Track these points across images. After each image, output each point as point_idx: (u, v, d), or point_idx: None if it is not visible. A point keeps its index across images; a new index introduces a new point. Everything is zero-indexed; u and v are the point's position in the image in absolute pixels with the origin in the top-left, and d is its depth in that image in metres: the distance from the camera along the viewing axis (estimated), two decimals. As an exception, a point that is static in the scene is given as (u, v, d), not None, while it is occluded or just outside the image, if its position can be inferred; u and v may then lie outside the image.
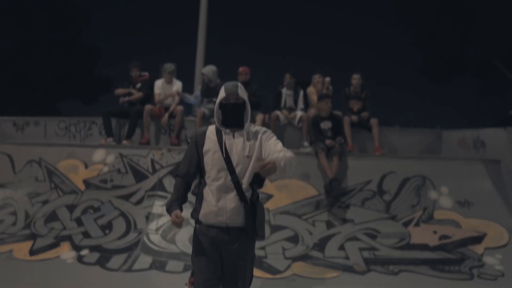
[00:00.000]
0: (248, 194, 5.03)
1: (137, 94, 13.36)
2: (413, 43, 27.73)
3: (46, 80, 32.68)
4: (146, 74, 13.66)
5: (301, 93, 13.46)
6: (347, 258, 10.34)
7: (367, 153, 13.13)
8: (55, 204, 11.56)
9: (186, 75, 13.87)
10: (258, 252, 10.08)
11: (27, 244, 10.79)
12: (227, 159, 4.98)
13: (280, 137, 12.15)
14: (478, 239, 10.76)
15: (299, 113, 13.22)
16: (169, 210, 5.19)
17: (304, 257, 10.29)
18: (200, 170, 5.21)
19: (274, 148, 4.97)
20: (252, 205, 5.02)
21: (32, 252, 10.54)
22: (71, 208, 11.40)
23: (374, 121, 12.90)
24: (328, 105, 12.01)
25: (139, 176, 11.52)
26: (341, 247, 10.56)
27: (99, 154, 12.04)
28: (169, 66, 13.37)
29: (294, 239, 10.68)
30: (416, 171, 11.70)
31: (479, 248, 10.58)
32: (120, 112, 13.37)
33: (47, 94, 33.54)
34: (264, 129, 5.22)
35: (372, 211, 11.17)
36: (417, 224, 11.07)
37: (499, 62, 24.28)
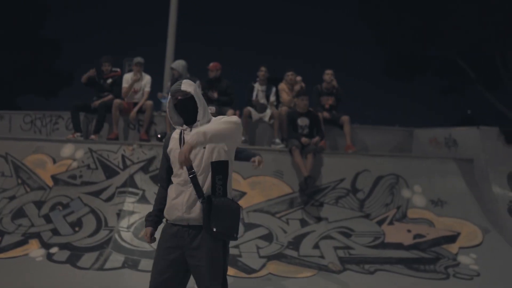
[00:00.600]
0: (206, 188, 4.84)
1: (108, 97, 13.06)
2: (377, 41, 27.81)
3: (4, 74, 31.92)
4: (118, 70, 13.37)
5: (273, 89, 13.31)
6: (322, 257, 10.25)
7: (338, 150, 13.07)
8: (22, 200, 11.22)
9: (154, 73, 13.60)
10: (232, 251, 9.94)
11: (-7, 242, 10.45)
12: None
13: (252, 134, 12.06)
14: (452, 238, 10.77)
15: (269, 110, 13.06)
16: (145, 223, 5.25)
17: (278, 256, 10.17)
18: (168, 168, 5.14)
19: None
20: (208, 200, 4.77)
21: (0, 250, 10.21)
22: (39, 204, 11.08)
23: (345, 118, 12.83)
24: (305, 101, 11.89)
25: (110, 172, 11.25)
26: (316, 246, 10.47)
27: (67, 149, 11.73)
28: (137, 58, 13.10)
29: (268, 237, 10.55)
30: (390, 169, 11.67)
31: (453, 248, 10.59)
32: (88, 107, 13.05)
33: (5, 88, 32.77)
34: (221, 117, 4.95)
35: (345, 209, 11.10)
36: (391, 223, 11.04)
37: (463, 61, 24.48)
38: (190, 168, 4.80)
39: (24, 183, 11.42)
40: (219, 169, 4.88)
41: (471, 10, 22.20)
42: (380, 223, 11.00)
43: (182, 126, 5.01)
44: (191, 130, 4.91)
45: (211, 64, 13.06)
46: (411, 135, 13.87)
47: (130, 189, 10.90)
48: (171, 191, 4.98)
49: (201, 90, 12.98)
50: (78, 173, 11.33)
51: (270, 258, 10.09)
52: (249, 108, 12.98)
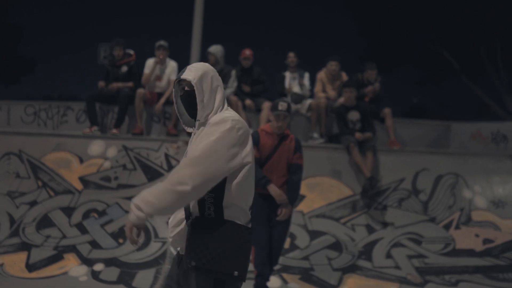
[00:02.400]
0: (193, 206, 3.56)
1: (129, 84, 11.58)
2: (360, 32, 27.04)
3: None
4: (132, 53, 11.86)
5: (307, 75, 12.14)
6: (398, 267, 9.37)
7: (383, 146, 12.05)
8: (46, 206, 9.73)
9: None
10: (303, 263, 8.96)
11: (21, 256, 8.99)
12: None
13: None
14: (518, 245, 10.01)
15: (308, 100, 11.91)
16: None
17: (353, 268, 9.21)
18: None
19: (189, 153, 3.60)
20: (192, 222, 3.52)
21: (30, 267, 8.78)
22: (68, 211, 9.63)
23: (387, 111, 11.82)
24: (353, 93, 10.80)
25: (151, 173, 9.87)
26: (388, 255, 9.58)
27: (96, 147, 10.26)
28: (160, 42, 11.66)
29: (337, 247, 9.54)
30: (448, 168, 10.78)
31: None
32: (105, 97, 11.54)
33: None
34: (220, 119, 3.57)
35: (410, 212, 10.17)
36: (457, 227, 10.21)
37: (448, 52, 23.98)
38: None
39: (46, 186, 9.92)
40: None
41: (459, 1, 21.69)
42: (447, 227, 10.14)
43: (187, 126, 3.89)
44: (195, 132, 3.72)
45: (247, 52, 11.80)
46: (448, 129, 13.01)
47: (179, 194, 9.53)
48: None
49: (236, 81, 11.72)
50: (112, 174, 9.90)
51: (344, 270, 9.11)
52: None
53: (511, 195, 10.73)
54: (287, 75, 12.07)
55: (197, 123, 3.66)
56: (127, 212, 9.13)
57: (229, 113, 3.61)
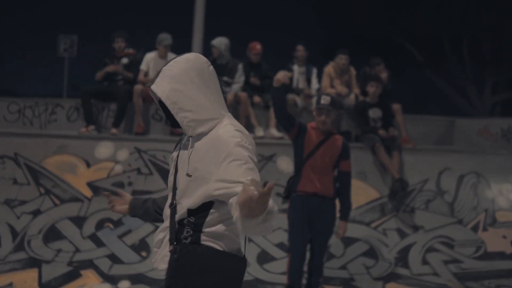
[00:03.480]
0: (180, 231, 3.06)
1: (129, 74, 10.65)
2: (318, 22, 26.57)
3: None
4: (132, 51, 10.95)
5: (314, 71, 11.48)
6: (436, 274, 8.97)
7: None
8: (52, 215, 8.79)
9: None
10: (341, 273, 8.38)
11: (31, 274, 8.08)
12: (174, 173, 3.19)
13: None
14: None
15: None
16: None
17: (392, 277, 8.74)
18: None
19: (234, 172, 2.84)
20: (176, 251, 3.02)
21: (44, 286, 7.84)
22: (78, 221, 8.73)
23: (397, 107, 11.26)
24: (378, 89, 10.22)
25: (171, 178, 9.00)
26: (424, 261, 9.15)
27: (104, 149, 9.34)
28: (166, 38, 10.77)
29: (372, 253, 9.04)
30: (469, 167, 10.35)
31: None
32: (102, 93, 10.59)
33: None
34: (236, 137, 2.95)
35: (437, 215, 9.73)
36: (485, 229, 9.82)
37: (412, 45, 23.79)
38: (173, 195, 3.14)
39: (50, 193, 8.97)
40: (198, 210, 3.06)
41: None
42: (474, 229, 9.74)
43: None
44: (190, 139, 3.10)
45: (258, 47, 11.03)
46: (452, 125, 12.59)
47: (204, 200, 8.73)
48: None
49: (243, 75, 10.97)
50: (125, 179, 9.03)
51: (385, 279, 8.64)
52: (294, 96, 11.09)
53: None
54: (295, 69, 11.37)
55: (200, 134, 3.05)
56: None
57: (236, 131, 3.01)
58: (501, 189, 10.31)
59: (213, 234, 3.00)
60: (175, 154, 3.21)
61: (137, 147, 9.26)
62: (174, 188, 3.12)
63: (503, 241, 9.75)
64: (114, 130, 10.24)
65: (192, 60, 3.11)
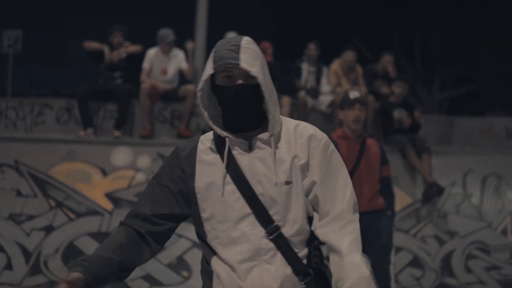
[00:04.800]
0: (302, 253, 2.51)
1: (136, 48, 9.67)
2: (271, 18, 26.01)
3: None
4: (137, 47, 9.95)
5: (325, 70, 10.82)
6: (482, 282, 8.60)
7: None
8: (69, 232, 7.74)
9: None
10: (396, 286, 7.76)
11: (56, 301, 6.90)
12: (248, 193, 2.48)
13: None
14: None
15: (327, 96, 10.60)
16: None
17: (443, 287, 8.14)
18: (195, 223, 2.62)
19: (336, 204, 2.51)
20: (321, 275, 2.51)
21: (75, 315, 6.72)
22: (99, 237, 7.70)
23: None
24: (404, 89, 9.69)
25: (202, 187, 8.11)
26: (468, 269, 8.75)
27: (121, 155, 8.31)
28: (168, 34, 9.83)
29: (417, 263, 8.58)
30: (490, 168, 9.99)
31: None
32: (100, 92, 9.53)
33: None
34: (318, 134, 2.63)
35: (468, 219, 9.33)
36: (513, 233, 9.48)
37: (360, 42, 23.55)
38: (266, 220, 2.47)
39: (62, 206, 7.90)
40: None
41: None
42: (504, 233, 9.39)
43: (232, 133, 2.54)
44: (250, 146, 2.53)
45: (270, 49, 10.32)
46: (451, 124, 12.23)
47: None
48: (224, 269, 2.51)
49: None
50: (150, 189, 8.00)
51: (437, 291, 8.03)
52: (304, 94, 10.39)
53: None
54: (304, 67, 10.68)
55: (270, 135, 2.52)
56: (179, 235, 7.44)
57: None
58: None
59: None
60: (215, 176, 2.50)
61: (160, 153, 8.28)
62: (259, 211, 2.45)
63: (532, 245, 9.46)
64: (117, 133, 9.22)
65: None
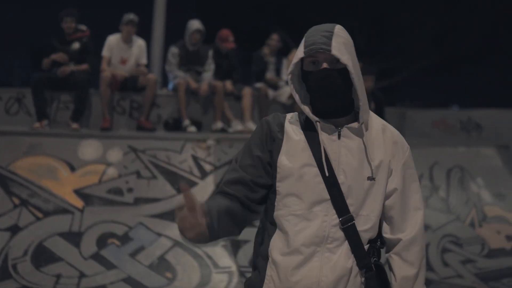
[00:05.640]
0: (370, 251, 2.51)
1: (83, 67, 8.99)
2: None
3: None
4: (85, 29, 9.25)
5: (285, 62, 10.55)
6: (460, 276, 8.51)
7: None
8: (37, 232, 7.11)
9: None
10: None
11: (29, 308, 6.38)
12: (331, 179, 2.45)
13: (259, 118, 9.66)
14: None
15: (288, 87, 10.30)
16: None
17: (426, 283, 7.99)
18: (268, 194, 2.58)
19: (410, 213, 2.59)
20: (381, 271, 2.51)
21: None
22: (71, 238, 7.13)
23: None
24: (372, 82, 9.51)
25: (179, 182, 7.64)
26: (444, 263, 8.68)
27: (90, 148, 7.73)
28: (129, 15, 9.27)
29: None
30: (453, 160, 10.06)
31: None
32: (56, 81, 8.86)
33: None
34: (405, 143, 2.66)
35: (437, 212, 9.35)
36: (480, 225, 9.63)
37: (284, 32, 23.43)
38: (342, 209, 2.45)
39: (28, 204, 7.25)
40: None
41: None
42: (472, 226, 9.45)
43: (322, 119, 2.51)
44: (339, 133, 2.50)
45: (231, 36, 9.93)
46: (403, 116, 12.22)
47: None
48: (281, 251, 2.48)
49: (213, 63, 9.81)
50: (123, 185, 7.52)
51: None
52: (265, 86, 10.09)
53: (504, 187, 10.28)
54: (268, 57, 10.39)
55: (361, 125, 2.52)
56: (158, 234, 7.00)
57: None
58: (482, 182, 10.10)
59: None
60: (301, 144, 2.52)
61: (132, 146, 7.73)
62: (338, 199, 2.46)
63: (498, 237, 9.57)
64: (74, 125, 8.58)
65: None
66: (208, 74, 9.61)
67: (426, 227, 8.54)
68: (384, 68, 23.44)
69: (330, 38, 2.42)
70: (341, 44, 2.43)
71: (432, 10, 21.66)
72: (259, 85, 10.10)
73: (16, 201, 7.21)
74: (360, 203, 2.47)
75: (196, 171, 7.75)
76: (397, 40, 23.14)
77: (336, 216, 2.43)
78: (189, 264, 6.95)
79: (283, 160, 2.49)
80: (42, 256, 6.88)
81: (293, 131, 2.54)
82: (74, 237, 7.07)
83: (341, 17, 21.56)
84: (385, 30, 22.63)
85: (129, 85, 9.25)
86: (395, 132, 2.63)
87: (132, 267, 6.92)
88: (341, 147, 2.48)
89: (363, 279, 2.46)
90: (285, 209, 2.47)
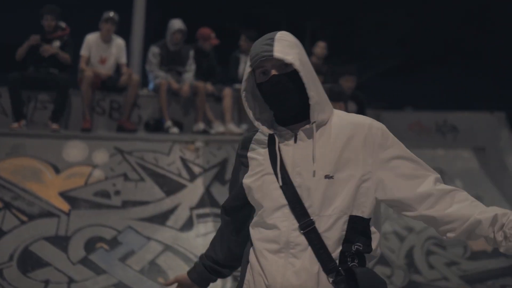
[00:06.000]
0: (336, 251, 2.39)
1: (65, 55, 8.74)
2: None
3: None
4: (65, 26, 9.01)
5: None
6: (446, 279, 8.57)
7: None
8: (22, 236, 6.89)
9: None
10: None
11: (17, 316, 6.16)
12: (286, 184, 2.43)
13: (239, 119, 9.54)
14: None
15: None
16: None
17: (413, 285, 8.17)
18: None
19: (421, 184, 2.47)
20: (352, 277, 2.36)
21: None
22: (58, 242, 6.92)
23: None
24: (353, 83, 9.44)
25: (169, 184, 7.50)
26: (430, 265, 8.75)
27: (75, 150, 7.52)
28: (109, 13, 9.07)
29: (384, 261, 8.42)
30: (430, 162, 9.87)
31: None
32: (34, 80, 8.61)
33: None
34: (374, 124, 2.60)
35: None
36: (460, 227, 9.59)
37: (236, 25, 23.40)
38: (301, 213, 2.39)
39: (11, 207, 7.01)
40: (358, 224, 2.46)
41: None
42: (453, 228, 9.45)
43: (271, 127, 2.53)
44: (295, 138, 2.48)
45: (212, 36, 9.82)
46: (378, 118, 12.18)
47: (215, 210, 7.35)
48: (253, 257, 2.53)
49: (194, 63, 9.69)
50: (110, 187, 7.33)
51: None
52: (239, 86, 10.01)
53: (482, 189, 10.39)
54: (242, 57, 10.26)
55: (313, 125, 2.46)
56: (148, 238, 6.86)
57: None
58: (461, 185, 10.17)
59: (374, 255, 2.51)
60: (261, 157, 2.54)
61: (118, 147, 7.54)
62: (295, 203, 2.41)
63: (478, 240, 9.57)
64: (54, 126, 8.32)
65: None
66: (189, 74, 9.46)
67: (410, 230, 8.63)
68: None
69: (271, 44, 2.42)
70: (284, 46, 2.42)
71: (397, 12, 21.83)
72: (238, 86, 9.96)
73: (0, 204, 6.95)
74: (320, 203, 2.39)
75: (184, 173, 7.59)
76: (360, 41, 23.26)
77: (295, 220, 2.40)
78: (180, 269, 6.73)
79: (245, 179, 2.55)
80: (28, 261, 6.65)
81: (256, 150, 2.57)
82: (61, 241, 6.85)
83: (305, 15, 21.73)
84: (349, 31, 22.70)
85: (109, 85, 9.03)
86: (369, 125, 2.55)
87: (122, 272, 6.73)
88: (296, 150, 2.46)
89: (332, 284, 2.37)
90: (254, 219, 2.54)
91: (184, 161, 7.69)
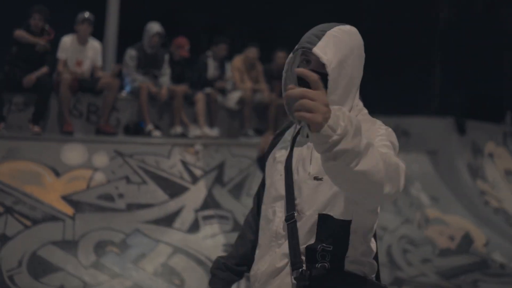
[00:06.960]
0: (304, 250, 2.38)
1: (42, 70, 8.50)
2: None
3: None
4: (50, 31, 8.77)
5: (229, 67, 10.58)
6: (424, 274, 9.00)
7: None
8: (28, 241, 6.67)
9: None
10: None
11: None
12: (288, 177, 2.45)
13: (212, 123, 9.67)
14: (471, 238, 10.20)
15: (236, 93, 10.33)
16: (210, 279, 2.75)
17: (399, 282, 8.57)
18: None
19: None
20: (312, 279, 2.32)
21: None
22: (66, 246, 6.75)
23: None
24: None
25: (171, 187, 7.45)
26: (409, 263, 9.09)
27: (75, 153, 7.34)
28: (85, 13, 8.91)
29: None
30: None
31: (482, 248, 10.04)
32: (16, 83, 8.35)
33: None
34: (372, 120, 2.45)
35: (390, 214, 9.74)
36: (426, 227, 10.11)
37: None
38: (290, 206, 2.42)
39: (13, 212, 6.77)
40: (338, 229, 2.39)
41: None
42: (420, 228, 9.96)
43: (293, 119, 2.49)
44: (307, 135, 2.39)
45: (187, 45, 9.84)
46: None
47: (219, 212, 7.39)
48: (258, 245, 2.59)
49: (169, 67, 9.70)
50: (113, 190, 7.22)
51: (397, 285, 8.30)
52: (213, 91, 10.08)
53: (438, 191, 10.91)
54: (210, 62, 10.32)
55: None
56: (157, 240, 6.86)
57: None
58: (420, 186, 10.64)
59: (359, 256, 2.41)
60: (281, 153, 2.54)
61: (118, 150, 7.42)
62: (289, 196, 2.42)
63: (442, 237, 10.07)
64: (36, 128, 8.07)
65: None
66: (165, 78, 9.43)
67: (384, 229, 8.94)
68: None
69: (319, 37, 2.31)
70: (329, 43, 2.29)
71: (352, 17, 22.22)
72: (208, 90, 9.99)
73: (0, 208, 6.68)
74: (305, 202, 2.35)
75: (186, 176, 7.57)
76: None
77: (285, 213, 2.41)
78: (194, 270, 6.77)
79: (270, 156, 2.60)
80: (39, 266, 6.44)
81: (288, 135, 2.57)
82: (69, 246, 6.67)
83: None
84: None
85: (86, 87, 8.85)
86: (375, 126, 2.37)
87: (137, 275, 6.64)
88: (304, 146, 2.43)
89: (294, 281, 2.32)
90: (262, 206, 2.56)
91: (184, 164, 7.67)
